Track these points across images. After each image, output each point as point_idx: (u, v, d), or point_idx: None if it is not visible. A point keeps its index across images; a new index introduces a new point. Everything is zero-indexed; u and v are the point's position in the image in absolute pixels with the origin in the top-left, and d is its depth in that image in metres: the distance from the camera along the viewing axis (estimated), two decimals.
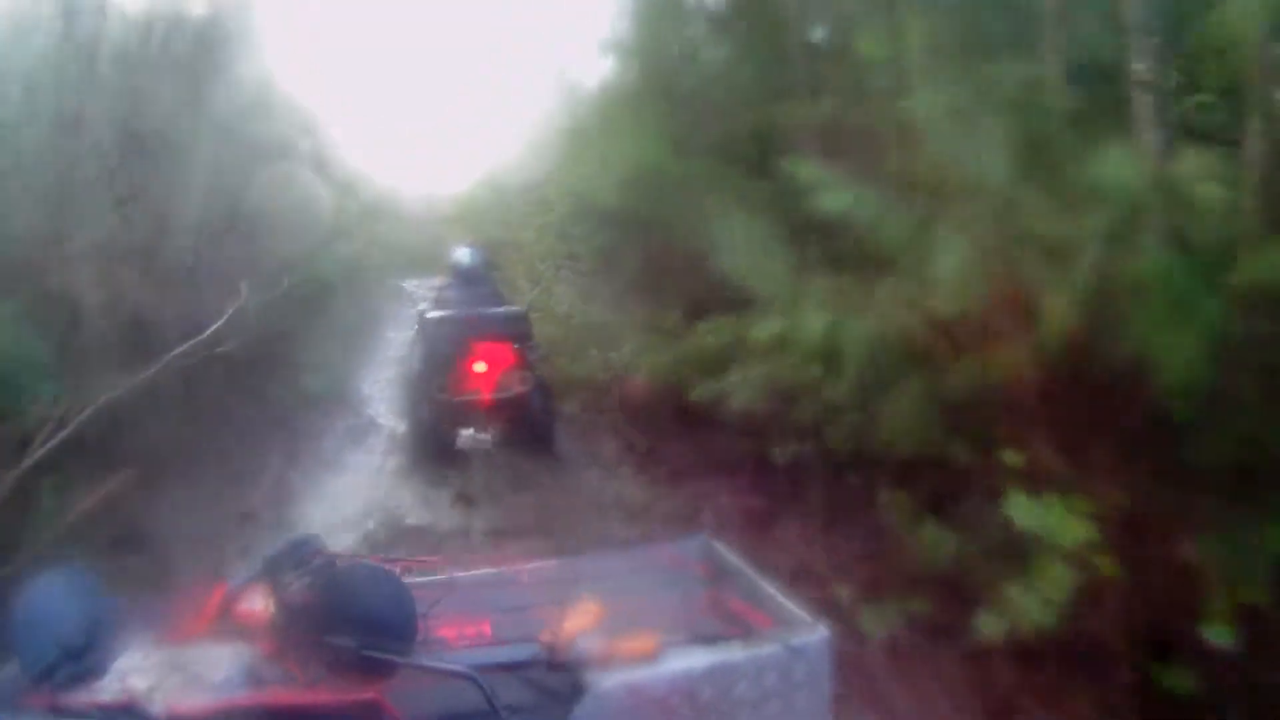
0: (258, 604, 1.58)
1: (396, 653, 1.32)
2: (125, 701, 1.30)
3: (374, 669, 1.30)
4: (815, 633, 1.55)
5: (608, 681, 1.37)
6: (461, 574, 1.99)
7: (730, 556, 2.06)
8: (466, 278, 7.20)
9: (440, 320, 6.66)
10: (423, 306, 7.45)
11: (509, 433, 6.35)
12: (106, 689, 1.33)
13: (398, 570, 1.58)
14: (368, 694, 1.24)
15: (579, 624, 1.63)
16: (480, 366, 6.38)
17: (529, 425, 6.45)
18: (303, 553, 1.69)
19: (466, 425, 6.36)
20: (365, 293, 11.73)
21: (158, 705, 1.27)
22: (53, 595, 1.41)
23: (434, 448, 6.43)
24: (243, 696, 1.29)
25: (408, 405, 7.12)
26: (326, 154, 11.20)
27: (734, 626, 1.66)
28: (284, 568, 1.62)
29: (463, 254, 7.42)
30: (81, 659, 1.35)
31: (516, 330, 6.61)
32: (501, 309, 6.92)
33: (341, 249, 9.96)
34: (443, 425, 6.38)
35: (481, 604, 1.92)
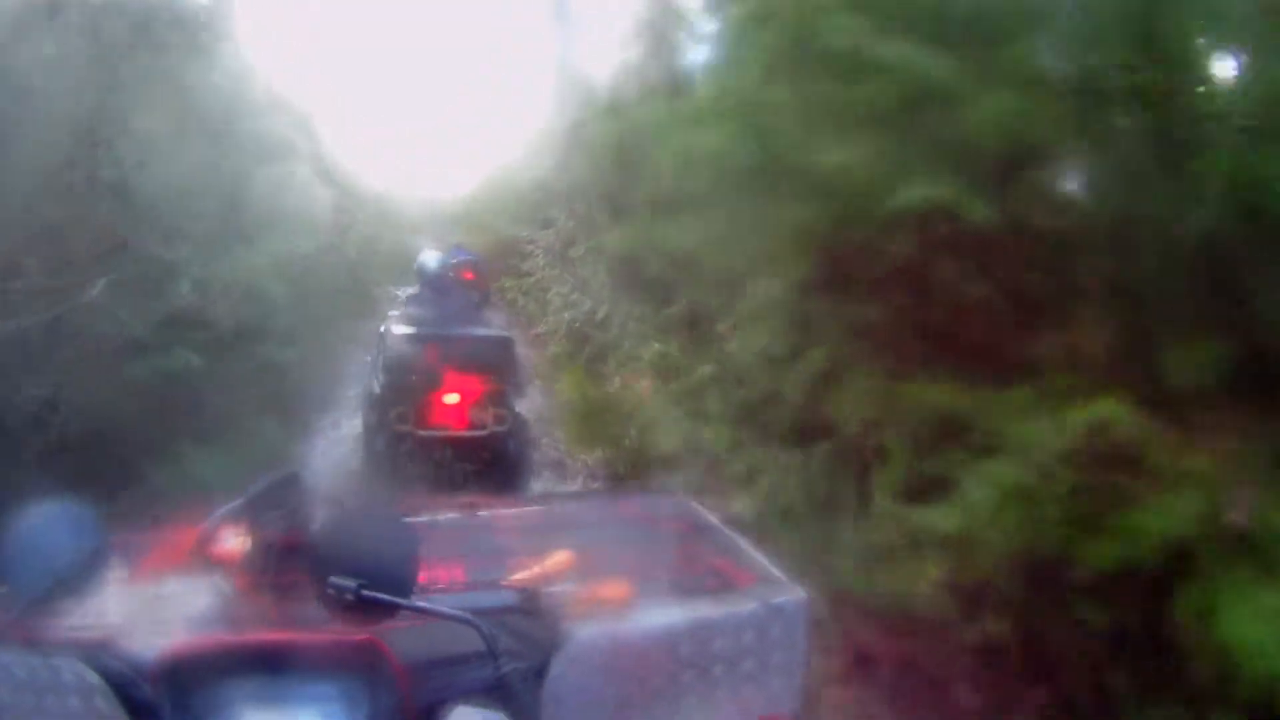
0: (235, 541, 1.57)
1: (397, 595, 1.30)
2: (106, 638, 1.28)
3: (373, 611, 1.28)
4: (793, 593, 1.56)
5: (587, 631, 1.37)
6: (440, 516, 1.99)
7: (707, 514, 2.08)
8: (435, 287, 6.12)
9: (407, 338, 5.64)
10: (389, 319, 6.20)
11: (476, 477, 5.41)
12: (83, 624, 1.31)
13: None
14: (365, 636, 1.23)
15: (554, 571, 1.63)
16: (451, 398, 5.42)
17: (500, 471, 5.54)
18: (284, 491, 1.67)
19: (428, 464, 5.42)
20: (343, 305, 9.65)
21: (141, 641, 1.25)
22: (50, 527, 1.39)
23: (388, 489, 5.42)
24: (237, 635, 1.27)
25: (362, 433, 6.05)
26: (306, 147, 9.93)
27: (712, 582, 1.67)
28: (264, 506, 1.60)
29: (429, 258, 6.29)
30: (73, 592, 1.33)
31: (498, 358, 5.64)
32: (482, 331, 5.92)
33: (305, 249, 7.30)
34: (400, 462, 5.43)
35: (458, 547, 1.92)
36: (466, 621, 1.28)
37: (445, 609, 1.32)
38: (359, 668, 1.23)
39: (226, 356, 5.55)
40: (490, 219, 13.77)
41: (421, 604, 1.32)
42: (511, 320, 11.22)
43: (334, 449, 6.73)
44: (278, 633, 1.26)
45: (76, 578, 1.33)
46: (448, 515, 2.03)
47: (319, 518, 1.47)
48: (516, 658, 1.30)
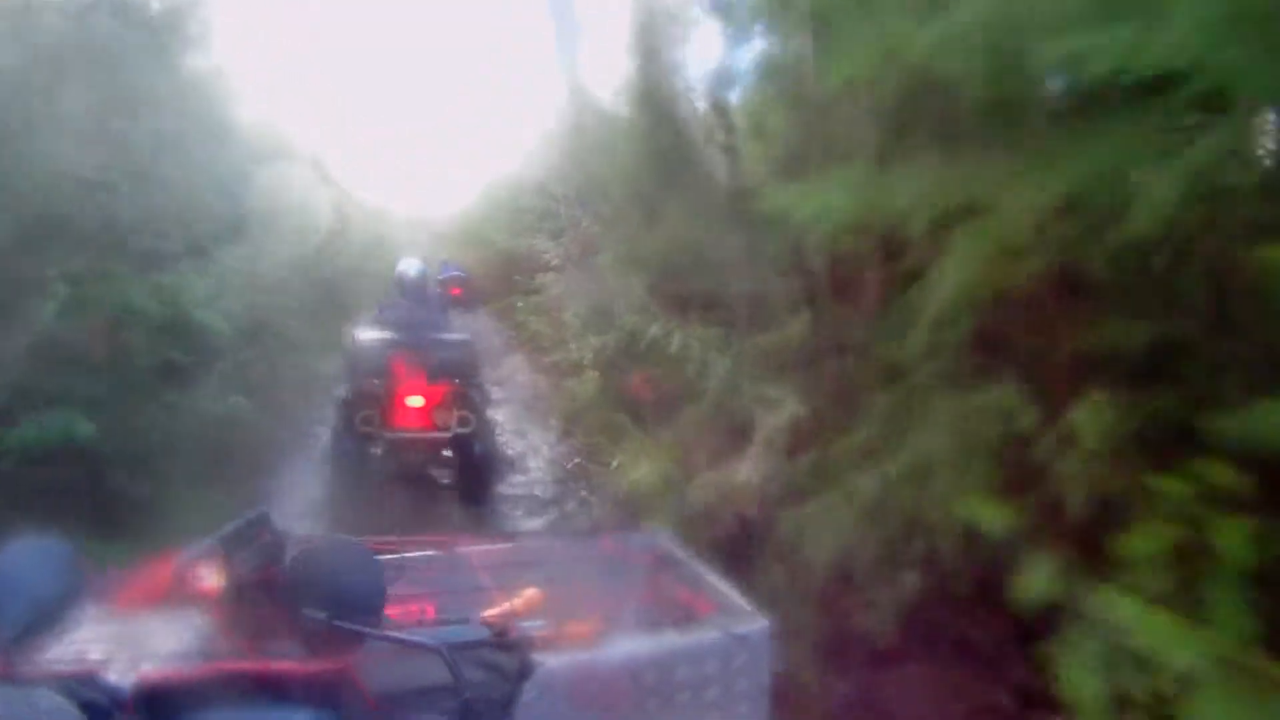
0: (209, 578, 1.60)
1: (366, 625, 1.34)
2: (85, 670, 1.30)
3: (344, 641, 1.32)
4: (755, 622, 1.61)
5: (554, 661, 1.41)
6: (411, 554, 2.02)
7: (676, 548, 2.12)
8: (410, 295, 6.25)
9: (372, 343, 5.80)
10: (358, 325, 6.28)
11: (441, 478, 5.76)
12: (64, 658, 1.33)
13: None
14: (337, 665, 1.26)
15: (524, 607, 1.67)
16: (414, 400, 5.55)
17: (466, 472, 5.73)
18: (254, 529, 1.70)
19: (393, 464, 5.61)
20: (315, 335, 8.60)
21: (119, 674, 1.28)
22: (28, 561, 1.42)
23: (353, 484, 5.62)
24: (212, 665, 1.30)
25: (330, 433, 6.15)
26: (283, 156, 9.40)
27: (677, 614, 1.72)
28: (236, 543, 1.64)
29: (409, 265, 6.41)
30: (51, 626, 1.35)
31: (460, 362, 5.79)
32: (446, 336, 6.06)
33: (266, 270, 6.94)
34: (365, 461, 5.60)
35: (430, 584, 1.95)
36: (432, 650, 1.33)
37: (412, 638, 1.36)
38: (330, 696, 1.26)
39: (135, 411, 4.60)
40: (488, 232, 13.00)
41: (390, 634, 1.36)
42: (520, 344, 10.53)
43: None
44: (251, 662, 1.28)
45: (55, 612, 1.35)
46: (422, 553, 2.06)
47: (290, 552, 1.51)
48: (483, 688, 1.34)
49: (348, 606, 1.34)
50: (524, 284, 10.32)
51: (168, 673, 1.27)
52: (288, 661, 1.28)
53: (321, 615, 1.32)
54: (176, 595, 1.60)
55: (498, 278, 12.50)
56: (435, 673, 1.34)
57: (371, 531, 5.09)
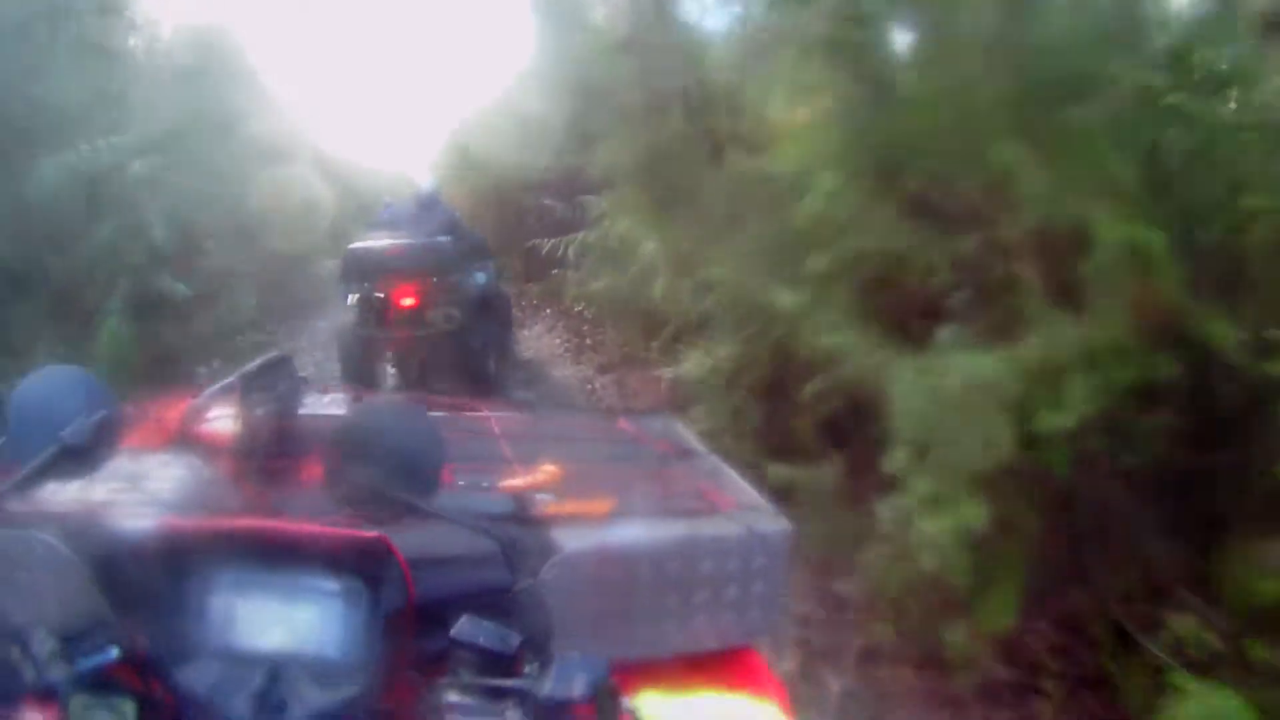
0: (224, 422, 1.54)
1: (418, 495, 1.27)
2: (82, 511, 1.25)
3: (388, 509, 1.25)
4: (777, 522, 1.56)
5: (577, 542, 1.36)
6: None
7: (694, 437, 2.07)
8: (421, 204, 6.72)
9: (363, 251, 6.31)
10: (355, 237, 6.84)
11: (440, 371, 6.02)
12: (64, 498, 1.28)
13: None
14: (375, 533, 1.19)
15: (540, 481, 1.62)
16: (406, 300, 6.00)
17: (463, 366, 6.09)
18: (274, 373, 1.63)
19: (392, 361, 6.07)
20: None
21: (123, 518, 1.22)
22: (55, 389, 1.33)
23: (356, 380, 5.98)
24: (237, 520, 1.24)
25: (337, 340, 6.71)
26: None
27: (699, 503, 1.67)
28: (254, 387, 1.56)
29: (425, 182, 7.00)
30: (78, 460, 1.27)
31: (443, 261, 6.19)
32: (432, 238, 6.43)
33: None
34: (366, 360, 6.08)
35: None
36: (487, 534, 1.26)
37: (465, 519, 1.29)
38: (365, 565, 1.20)
39: None
40: (487, 159, 11.16)
41: (440, 510, 1.29)
42: (581, 353, 8.55)
43: None
44: (280, 521, 1.22)
45: (82, 445, 1.27)
46: (441, 414, 2.00)
47: (342, 406, 1.42)
48: (502, 565, 1.28)
49: (403, 474, 1.26)
50: (544, 246, 8.62)
51: (184, 524, 1.21)
52: (320, 524, 1.21)
53: (370, 479, 1.24)
54: (189, 439, 1.54)
55: (506, 232, 10.51)
56: (473, 542, 1.28)
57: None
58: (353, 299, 6.17)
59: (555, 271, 9.05)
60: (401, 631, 1.19)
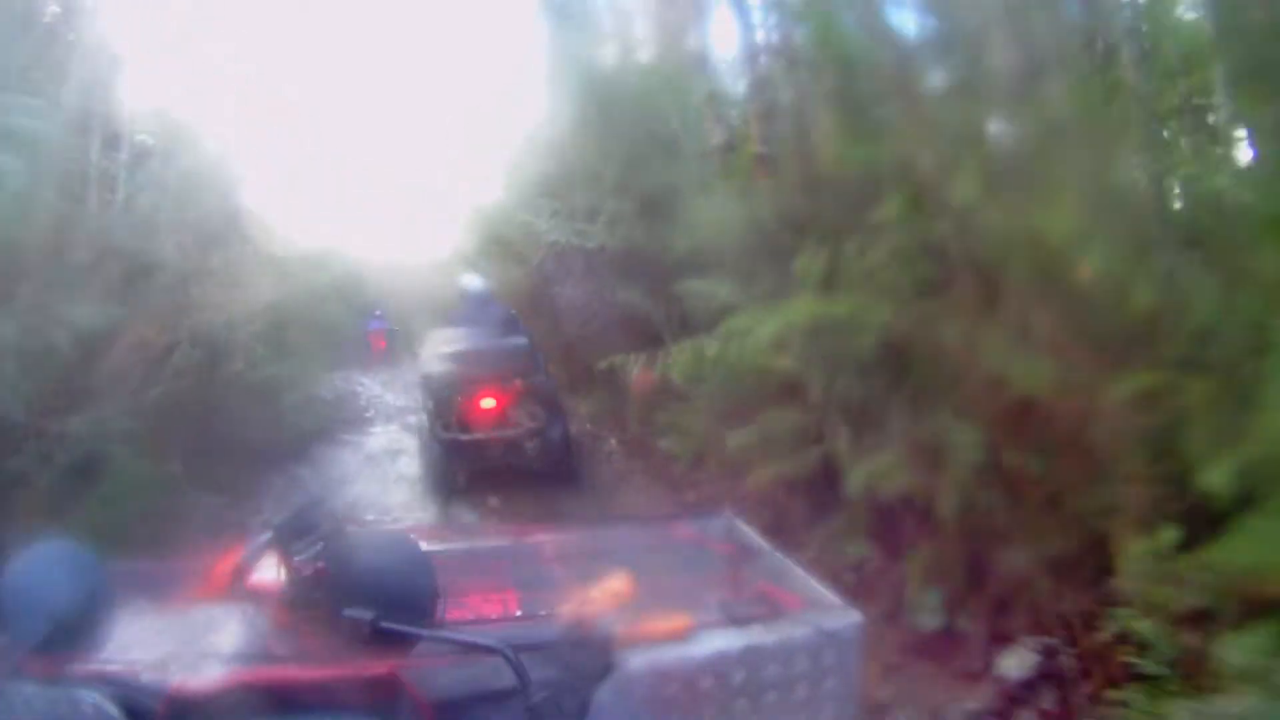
0: (269, 572, 1.52)
1: (416, 625, 1.23)
2: (129, 671, 1.23)
3: (392, 643, 1.21)
4: (847, 617, 1.49)
5: (636, 661, 1.30)
6: (480, 544, 1.94)
7: (755, 536, 2.00)
8: (475, 307, 6.88)
9: (441, 357, 6.40)
10: (428, 343, 6.95)
11: (525, 468, 6.10)
12: (110, 658, 1.27)
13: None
14: (384, 669, 1.16)
15: (605, 600, 1.56)
16: (486, 403, 6.08)
17: (545, 460, 6.14)
18: (312, 518, 1.61)
19: (477, 463, 6.09)
20: None
21: (166, 676, 1.20)
22: (43, 565, 1.33)
23: (444, 486, 6.17)
24: (252, 671, 1.21)
25: (419, 447, 6.83)
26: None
27: (762, 608, 1.60)
28: (294, 534, 1.55)
29: (469, 282, 7.16)
30: (76, 630, 1.27)
31: (521, 363, 6.32)
32: (504, 341, 6.58)
33: None
34: (452, 464, 6.14)
35: (500, 576, 1.86)
36: (494, 651, 1.21)
37: (469, 638, 1.25)
38: (379, 704, 1.16)
39: None
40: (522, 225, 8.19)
41: (443, 634, 1.25)
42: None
43: None
44: (293, 668, 1.19)
45: (77, 618, 1.27)
46: (492, 543, 1.98)
47: (335, 546, 1.40)
48: (556, 688, 1.22)
49: (395, 605, 1.23)
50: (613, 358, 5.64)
51: (201, 680, 1.18)
52: (332, 667, 1.17)
53: (366, 616, 1.21)
54: (235, 592, 1.53)
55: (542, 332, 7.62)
56: (505, 675, 1.22)
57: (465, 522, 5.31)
58: (431, 405, 6.25)
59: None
60: None
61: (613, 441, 7.33)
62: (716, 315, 4.37)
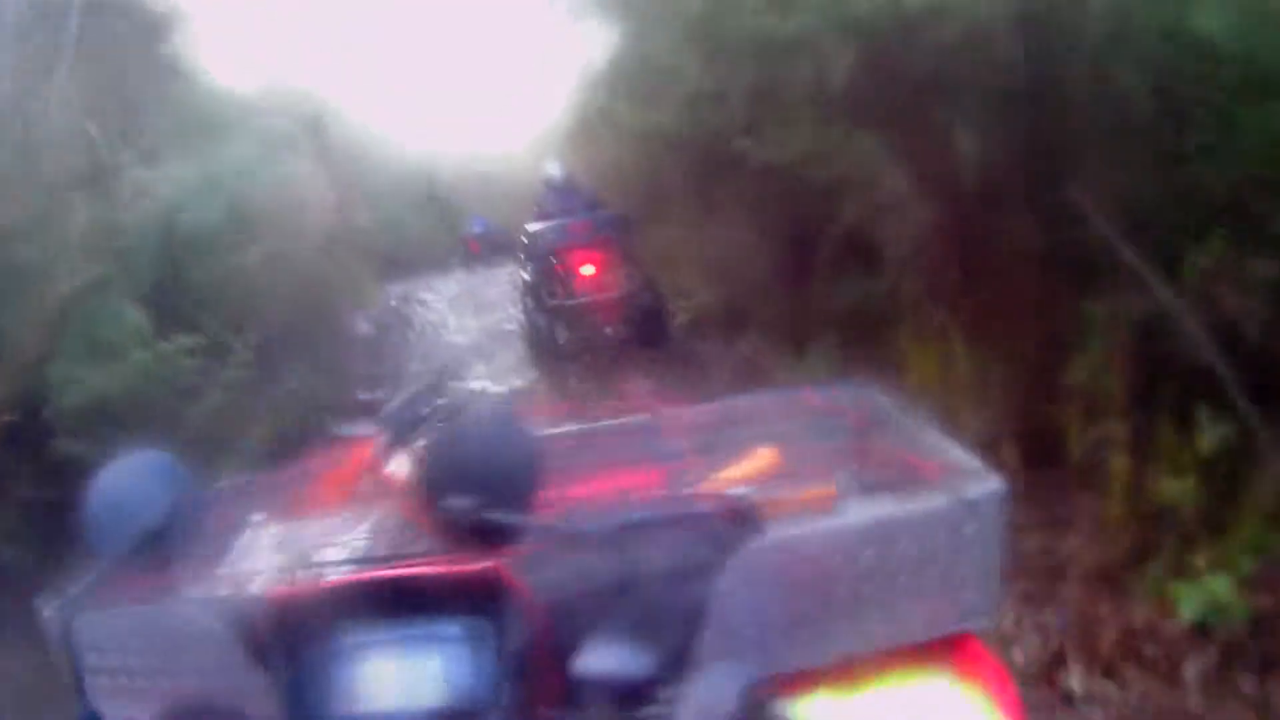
0: (393, 465, 1.52)
1: (521, 514, 1.15)
2: (235, 581, 1.25)
3: (495, 535, 1.14)
4: (989, 484, 1.37)
5: (755, 541, 1.23)
6: (599, 423, 1.90)
7: (891, 402, 1.89)
8: (561, 189, 7.49)
9: (540, 231, 7.06)
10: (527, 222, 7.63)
11: (622, 331, 6.75)
12: (216, 570, 1.28)
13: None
14: (485, 564, 1.11)
15: (743, 473, 1.51)
16: (587, 270, 6.66)
17: (640, 322, 6.77)
18: (424, 402, 1.58)
19: (578, 327, 6.75)
20: None
21: (270, 585, 1.21)
22: (130, 476, 1.32)
23: (548, 350, 6.88)
24: (346, 576, 1.21)
25: (523, 318, 7.60)
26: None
27: (897, 476, 1.50)
28: (408, 423, 1.52)
29: (552, 168, 7.74)
30: (166, 543, 1.26)
31: (615, 232, 6.86)
32: (595, 213, 7.18)
33: None
34: (555, 328, 6.82)
35: (622, 455, 1.82)
36: (604, 540, 1.14)
37: (574, 526, 1.17)
38: (483, 602, 1.13)
39: None
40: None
41: (549, 524, 1.18)
42: None
43: None
44: (388, 568, 1.17)
45: (167, 530, 1.26)
46: (611, 421, 1.94)
47: (434, 432, 1.33)
48: (675, 576, 1.17)
49: (498, 493, 1.13)
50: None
51: (296, 588, 1.18)
52: (429, 564, 1.14)
53: (465, 505, 1.12)
54: (370, 490, 1.53)
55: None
56: (625, 566, 1.17)
57: (573, 397, 5.56)
58: (533, 277, 6.98)
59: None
60: (532, 666, 1.11)
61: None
62: None
